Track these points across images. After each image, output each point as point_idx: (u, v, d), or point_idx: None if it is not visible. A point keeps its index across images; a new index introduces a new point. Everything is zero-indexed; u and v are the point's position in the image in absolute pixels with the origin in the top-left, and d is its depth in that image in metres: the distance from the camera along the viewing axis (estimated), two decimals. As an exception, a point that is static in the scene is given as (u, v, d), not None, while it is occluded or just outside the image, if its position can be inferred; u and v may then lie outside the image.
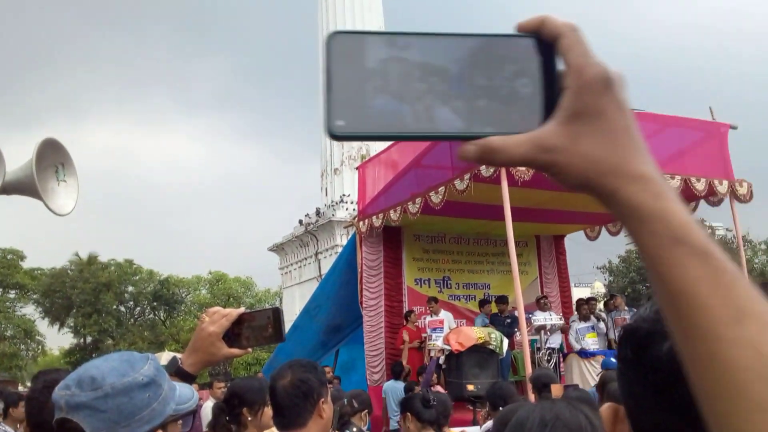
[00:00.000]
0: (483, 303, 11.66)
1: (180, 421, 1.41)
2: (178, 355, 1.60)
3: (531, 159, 0.55)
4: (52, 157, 5.50)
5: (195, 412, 1.47)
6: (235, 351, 1.59)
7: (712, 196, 10.39)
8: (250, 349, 1.61)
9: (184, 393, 1.40)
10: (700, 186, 9.89)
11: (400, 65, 0.54)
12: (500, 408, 3.88)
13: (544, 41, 0.56)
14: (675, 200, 0.57)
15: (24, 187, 5.32)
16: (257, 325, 1.60)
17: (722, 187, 10.12)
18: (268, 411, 2.86)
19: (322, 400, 2.23)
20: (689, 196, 10.28)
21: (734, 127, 10.51)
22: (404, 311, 11.84)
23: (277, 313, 1.60)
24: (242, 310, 1.62)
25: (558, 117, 0.55)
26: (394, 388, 9.99)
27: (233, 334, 1.57)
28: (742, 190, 10.28)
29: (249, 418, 3.15)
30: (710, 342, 0.52)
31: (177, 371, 1.55)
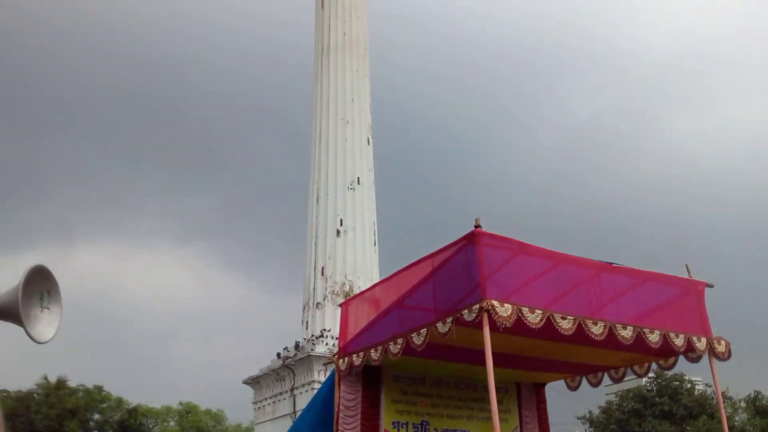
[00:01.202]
0: None
1: None
2: None
3: None
4: (40, 283, 5.55)
5: None
6: None
7: (690, 352, 10.45)
8: None
9: None
10: (678, 341, 9.97)
11: None
12: None
13: None
14: None
15: (7, 313, 5.33)
16: None
17: (701, 344, 10.20)
18: None
19: None
20: (668, 350, 10.34)
21: (711, 286, 10.75)
22: (380, 456, 11.45)
23: None
24: None
25: None
26: None
27: None
28: (720, 348, 10.36)
29: None
30: None
31: None
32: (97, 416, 43.51)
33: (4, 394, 41.75)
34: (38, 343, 5.59)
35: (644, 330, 9.68)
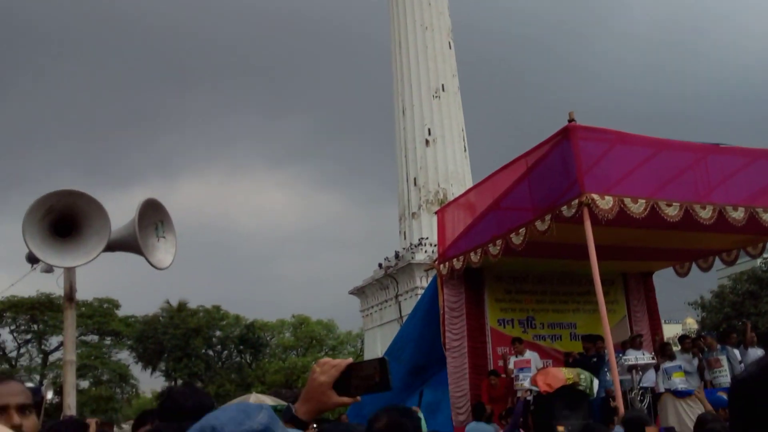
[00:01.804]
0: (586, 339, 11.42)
1: None
2: (293, 405, 1.73)
3: None
4: (153, 215, 5.86)
5: None
6: (345, 399, 1.69)
7: (809, 228, 9.94)
8: (359, 397, 1.71)
9: None
10: (795, 218, 9.49)
11: None
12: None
13: None
14: None
15: (127, 244, 5.68)
16: (365, 374, 1.68)
17: (820, 219, 9.68)
18: None
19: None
20: (785, 229, 9.87)
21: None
22: (488, 352, 11.75)
23: (383, 364, 1.68)
24: (350, 360, 1.72)
25: None
26: (478, 429, 9.89)
27: (343, 383, 1.69)
28: (842, 221, 9.80)
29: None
30: None
31: (291, 418, 1.69)
32: (218, 333, 46.50)
33: (133, 319, 45.20)
34: (159, 269, 5.93)
35: (757, 210, 9.25)
